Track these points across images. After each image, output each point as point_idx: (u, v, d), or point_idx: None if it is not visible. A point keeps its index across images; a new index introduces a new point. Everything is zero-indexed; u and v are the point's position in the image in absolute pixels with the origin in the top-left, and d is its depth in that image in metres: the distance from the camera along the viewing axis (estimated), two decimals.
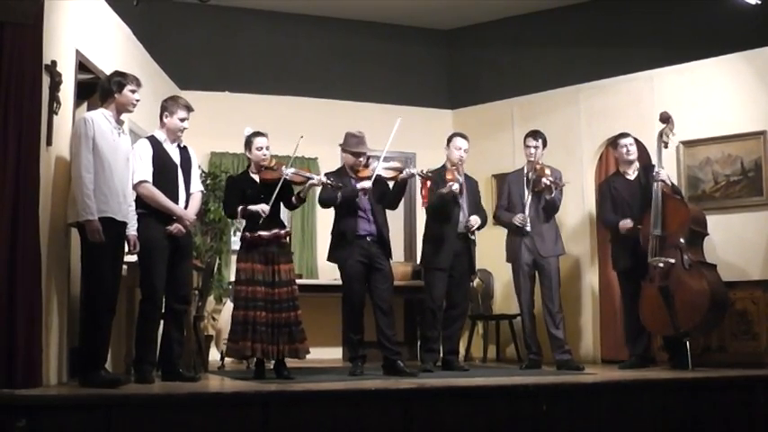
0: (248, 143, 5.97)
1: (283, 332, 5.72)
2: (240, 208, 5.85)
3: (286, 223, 6.20)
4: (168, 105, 5.71)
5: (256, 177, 5.95)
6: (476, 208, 6.93)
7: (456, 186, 6.64)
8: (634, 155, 7.09)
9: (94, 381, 4.90)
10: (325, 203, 6.33)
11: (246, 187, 5.90)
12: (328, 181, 6.03)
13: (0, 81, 4.76)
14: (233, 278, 8.20)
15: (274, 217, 5.91)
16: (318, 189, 6.34)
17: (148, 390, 5.01)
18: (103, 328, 5.13)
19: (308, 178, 6.00)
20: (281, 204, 6.07)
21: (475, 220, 6.78)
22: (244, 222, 6.00)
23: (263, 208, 5.78)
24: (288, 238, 6.10)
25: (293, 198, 6.05)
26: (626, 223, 6.87)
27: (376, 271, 6.21)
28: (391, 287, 6.32)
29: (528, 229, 6.92)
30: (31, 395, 4.37)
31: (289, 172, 5.87)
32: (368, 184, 6.15)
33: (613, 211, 7.05)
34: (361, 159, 6.32)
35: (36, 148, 4.82)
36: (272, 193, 5.84)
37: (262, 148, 5.93)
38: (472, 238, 6.82)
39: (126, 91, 5.27)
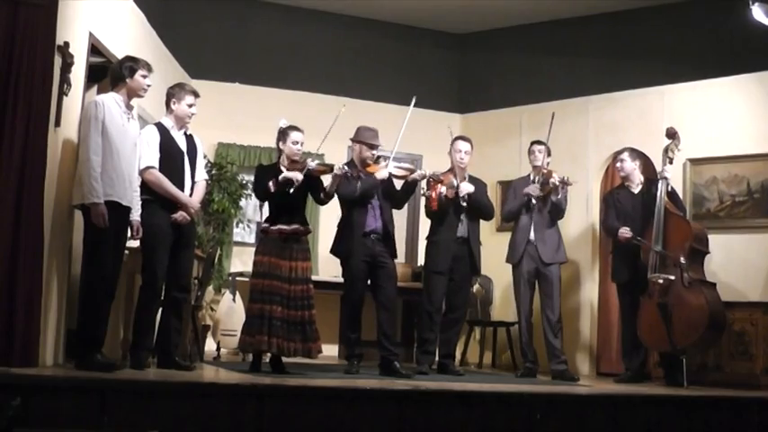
0: (284, 135, 5.89)
1: (297, 330, 5.65)
2: (272, 182, 5.70)
3: None
4: (175, 92, 5.70)
5: (285, 170, 5.84)
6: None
7: (444, 189, 6.58)
8: (624, 172, 7.10)
9: (90, 364, 4.90)
10: (344, 196, 6.27)
11: (274, 177, 5.81)
12: (349, 170, 6.00)
13: (12, 60, 4.76)
14: (233, 269, 8.29)
15: (297, 212, 5.86)
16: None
17: (143, 376, 5.01)
18: (102, 313, 5.12)
19: (331, 167, 5.96)
20: (312, 198, 6.06)
21: (466, 186, 6.67)
22: (258, 215, 5.95)
23: (297, 176, 5.68)
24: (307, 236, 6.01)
25: (321, 193, 6.02)
26: (624, 232, 6.85)
27: (379, 269, 6.21)
28: (395, 285, 6.32)
29: (534, 201, 6.88)
30: (27, 375, 4.37)
31: (312, 164, 5.84)
32: (385, 173, 6.16)
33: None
34: (374, 153, 6.32)
35: (44, 129, 4.83)
36: (298, 185, 5.76)
37: (298, 142, 5.87)
38: (463, 204, 6.66)
39: (137, 76, 5.27)
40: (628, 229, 6.85)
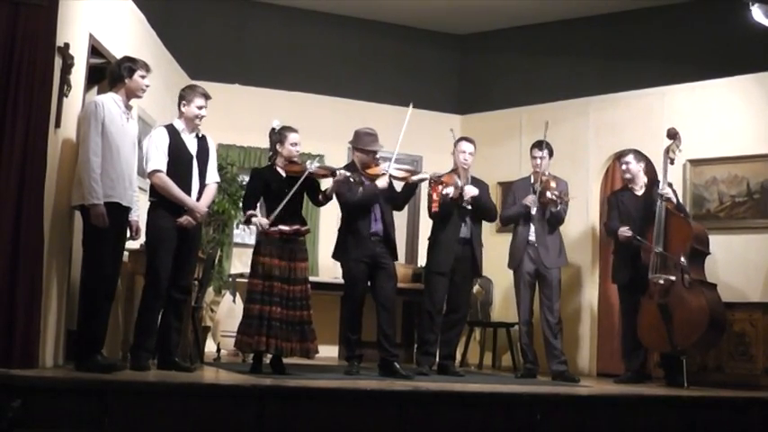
0: (282, 137, 5.86)
1: (296, 330, 5.64)
2: (249, 213, 5.74)
3: None
4: (185, 94, 5.68)
5: (283, 172, 5.86)
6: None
7: (450, 190, 6.59)
8: (629, 174, 7.09)
9: (90, 365, 4.89)
10: (344, 202, 6.25)
11: (272, 181, 5.80)
12: (351, 176, 5.99)
13: (12, 61, 4.76)
14: (233, 270, 8.29)
15: (295, 213, 5.84)
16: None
17: (144, 377, 5.00)
18: (101, 314, 5.12)
19: (333, 172, 5.95)
20: (309, 200, 6.04)
21: (470, 189, 6.67)
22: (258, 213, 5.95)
23: (262, 222, 5.68)
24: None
25: (320, 196, 6.01)
26: (624, 231, 6.86)
27: (380, 270, 6.20)
28: (395, 287, 6.32)
29: (533, 212, 6.86)
30: (27, 376, 4.37)
31: (313, 166, 5.84)
32: (385, 181, 6.11)
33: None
34: (376, 156, 6.31)
35: (45, 130, 4.82)
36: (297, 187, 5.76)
37: (297, 144, 5.86)
38: (467, 207, 6.69)
39: (136, 76, 5.26)
40: (627, 228, 6.86)
